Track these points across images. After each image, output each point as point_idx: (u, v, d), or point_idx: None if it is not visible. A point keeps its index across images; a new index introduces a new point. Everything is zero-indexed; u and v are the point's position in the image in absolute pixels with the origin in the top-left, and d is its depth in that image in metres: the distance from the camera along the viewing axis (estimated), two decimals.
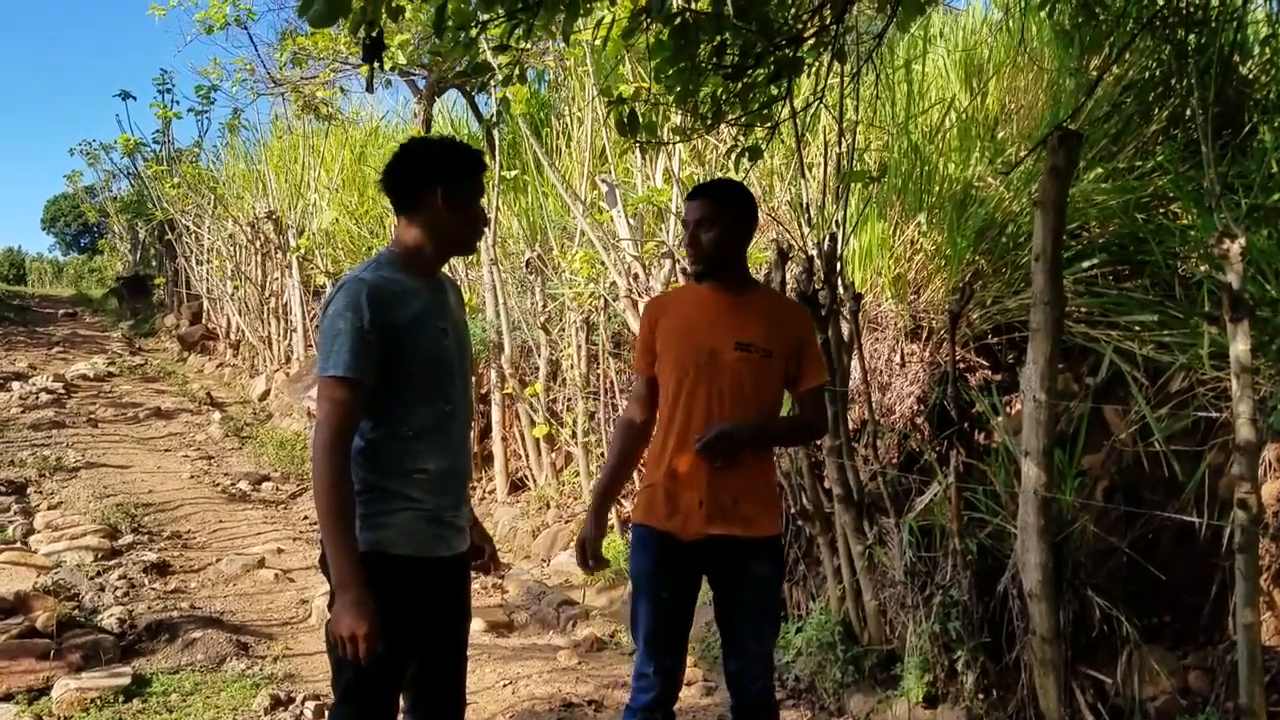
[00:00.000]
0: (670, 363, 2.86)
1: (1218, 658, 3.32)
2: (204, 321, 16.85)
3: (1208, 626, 3.50)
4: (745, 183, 5.56)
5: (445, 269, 2.65)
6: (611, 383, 6.47)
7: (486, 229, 2.60)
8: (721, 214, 2.80)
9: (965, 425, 4.47)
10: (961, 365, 4.84)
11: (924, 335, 5.14)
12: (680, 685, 2.96)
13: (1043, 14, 5.32)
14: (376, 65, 2.95)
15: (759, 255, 5.06)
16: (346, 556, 2.23)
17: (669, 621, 2.89)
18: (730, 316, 2.83)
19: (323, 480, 2.25)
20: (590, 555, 3.02)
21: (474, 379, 6.91)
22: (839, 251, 4.13)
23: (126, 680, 4.15)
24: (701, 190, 2.89)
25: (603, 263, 5.91)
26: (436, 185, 2.37)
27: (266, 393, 12.33)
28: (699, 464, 2.78)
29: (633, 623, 2.96)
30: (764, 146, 4.04)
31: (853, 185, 4.56)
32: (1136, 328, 4.08)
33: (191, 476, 8.52)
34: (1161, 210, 4.74)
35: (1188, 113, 4.93)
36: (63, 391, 11.65)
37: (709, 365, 2.79)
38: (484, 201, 2.53)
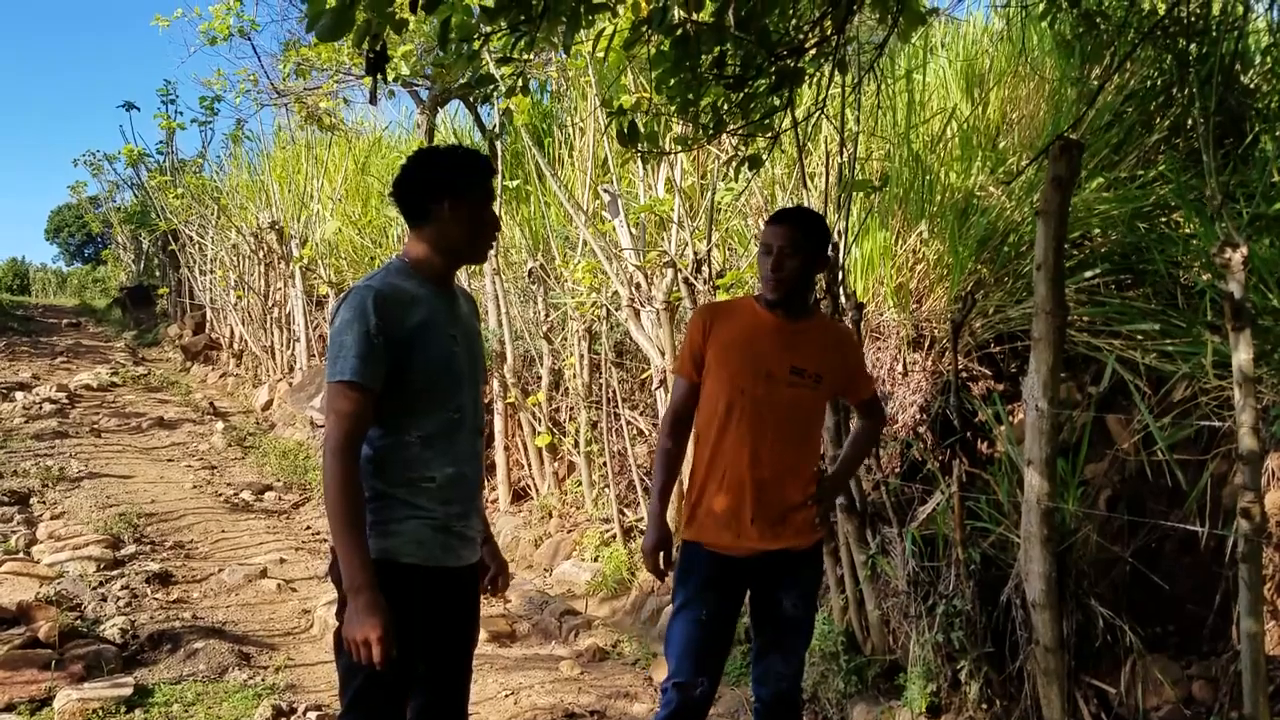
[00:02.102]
0: (724, 378, 2.89)
1: (1222, 667, 3.31)
2: (207, 331, 16.89)
3: (1211, 636, 3.49)
4: (746, 192, 5.63)
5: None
6: (614, 392, 6.47)
7: (499, 235, 2.60)
8: (807, 244, 2.84)
9: (968, 434, 4.47)
10: (964, 374, 4.84)
11: (926, 344, 5.14)
12: (707, 705, 2.96)
13: (1044, 23, 5.33)
14: (380, 76, 2.96)
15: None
16: (357, 561, 2.23)
17: (704, 640, 2.92)
18: (788, 340, 2.88)
19: (332, 485, 2.25)
20: (666, 561, 3.01)
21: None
22: (841, 261, 4.14)
23: (128, 691, 4.14)
24: (790, 217, 2.90)
25: (605, 272, 5.91)
26: (444, 196, 2.37)
27: (269, 402, 12.34)
28: (747, 483, 2.85)
29: (668, 638, 2.99)
30: (765, 156, 4.04)
31: (854, 195, 4.57)
32: (1139, 336, 4.08)
33: (194, 486, 8.52)
34: (1163, 219, 4.74)
35: (1189, 122, 4.94)
36: (66, 401, 11.67)
37: (763, 390, 2.84)
38: (495, 206, 2.53)
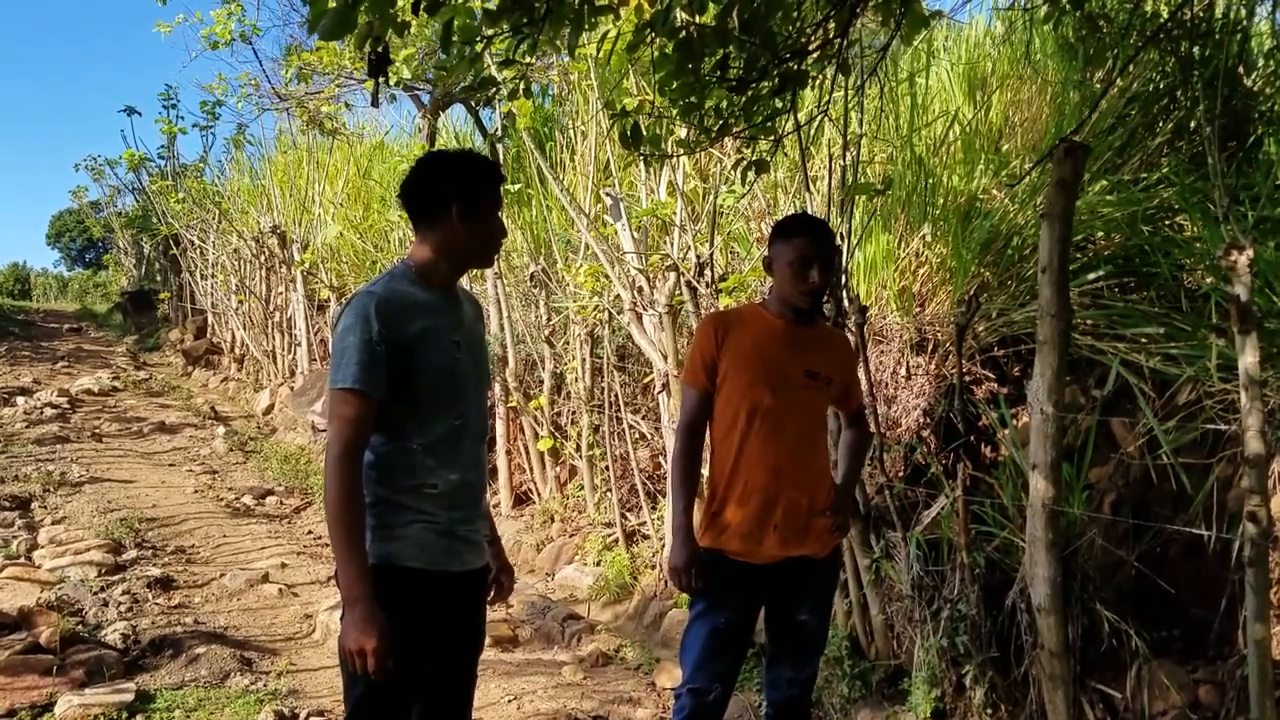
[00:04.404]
0: (741, 386, 2.89)
1: (1228, 672, 3.30)
2: (209, 336, 16.89)
3: (1217, 640, 3.47)
4: (748, 196, 5.62)
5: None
6: (616, 396, 6.45)
7: (504, 240, 2.58)
8: (830, 254, 2.89)
9: (972, 438, 4.45)
10: (968, 378, 4.82)
11: (930, 348, 5.13)
12: (721, 712, 2.97)
13: (1047, 27, 5.32)
14: (381, 80, 2.95)
15: (761, 269, 5.05)
16: (355, 570, 2.22)
17: (722, 648, 2.93)
18: (800, 345, 2.92)
19: (333, 493, 2.24)
20: (698, 576, 2.94)
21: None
22: (844, 264, 4.13)
23: (130, 696, 4.13)
24: (817, 228, 2.91)
25: (607, 276, 5.91)
26: (451, 201, 2.36)
27: (271, 407, 12.33)
28: (770, 490, 2.85)
29: (684, 644, 2.99)
30: (769, 159, 4.03)
31: (857, 198, 4.56)
32: (1143, 340, 4.06)
33: (195, 491, 8.51)
34: (1168, 222, 4.73)
35: (1193, 125, 4.93)
36: (67, 406, 11.67)
37: (780, 395, 2.85)
38: (501, 213, 2.52)
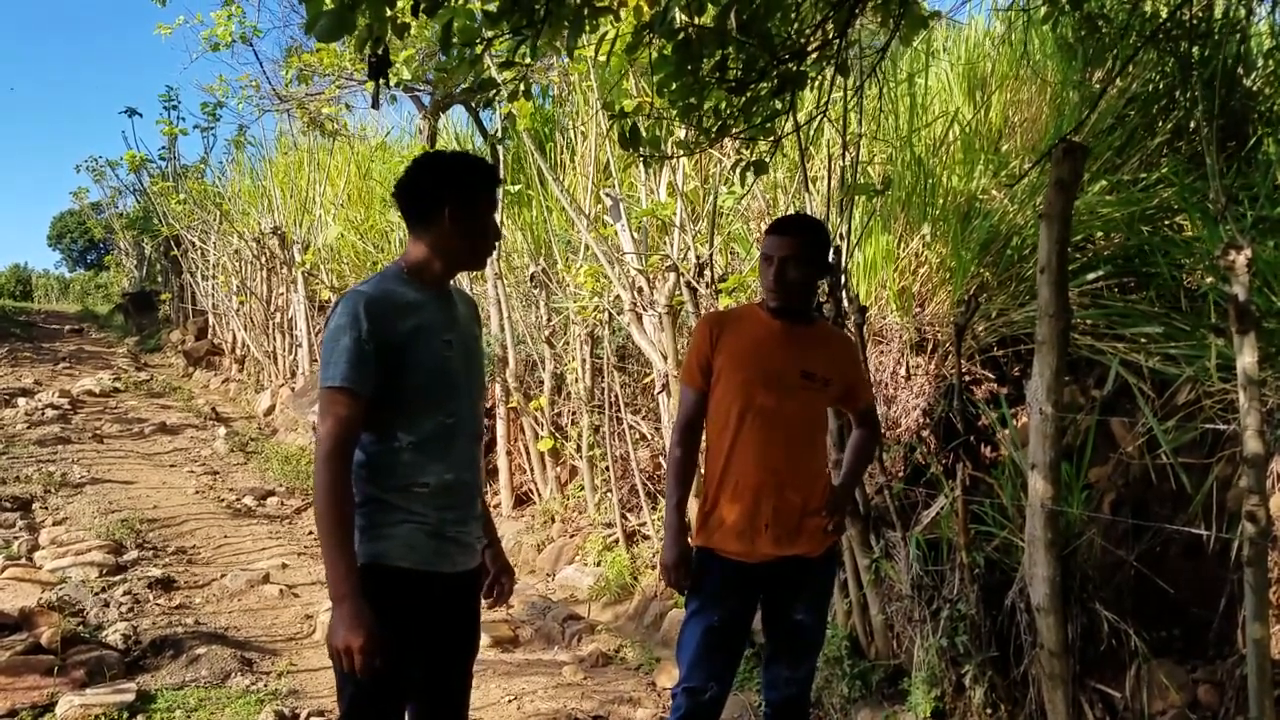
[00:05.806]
0: (735, 385, 2.89)
1: (1227, 671, 3.30)
2: (209, 337, 16.90)
3: (1217, 640, 3.47)
4: (748, 196, 5.62)
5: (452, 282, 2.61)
6: (616, 396, 6.46)
7: (499, 242, 2.58)
8: (807, 253, 2.86)
9: (971, 438, 4.46)
10: (967, 378, 4.83)
11: (929, 348, 5.13)
12: (718, 711, 2.97)
13: (1046, 27, 5.33)
14: (382, 81, 2.96)
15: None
16: (343, 568, 2.22)
17: (717, 646, 2.93)
18: (796, 345, 2.91)
19: (321, 491, 2.24)
20: (686, 575, 2.98)
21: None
22: (844, 264, 4.13)
23: (131, 697, 4.14)
24: (793, 227, 2.91)
25: (607, 276, 5.91)
26: (446, 202, 2.36)
27: (271, 408, 12.34)
28: (762, 489, 2.86)
29: (679, 644, 3.00)
30: (768, 159, 4.04)
31: (857, 199, 4.56)
32: (1143, 340, 4.06)
33: (196, 492, 8.52)
34: (1166, 222, 4.74)
35: (1192, 125, 4.93)
36: (68, 407, 11.68)
37: (775, 395, 2.85)
38: (497, 214, 2.52)
